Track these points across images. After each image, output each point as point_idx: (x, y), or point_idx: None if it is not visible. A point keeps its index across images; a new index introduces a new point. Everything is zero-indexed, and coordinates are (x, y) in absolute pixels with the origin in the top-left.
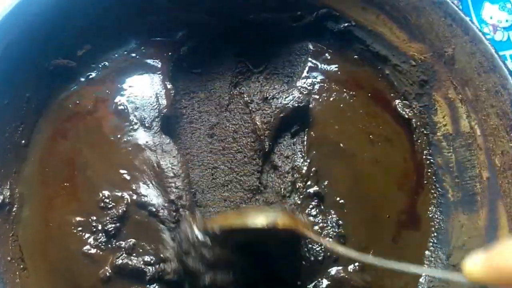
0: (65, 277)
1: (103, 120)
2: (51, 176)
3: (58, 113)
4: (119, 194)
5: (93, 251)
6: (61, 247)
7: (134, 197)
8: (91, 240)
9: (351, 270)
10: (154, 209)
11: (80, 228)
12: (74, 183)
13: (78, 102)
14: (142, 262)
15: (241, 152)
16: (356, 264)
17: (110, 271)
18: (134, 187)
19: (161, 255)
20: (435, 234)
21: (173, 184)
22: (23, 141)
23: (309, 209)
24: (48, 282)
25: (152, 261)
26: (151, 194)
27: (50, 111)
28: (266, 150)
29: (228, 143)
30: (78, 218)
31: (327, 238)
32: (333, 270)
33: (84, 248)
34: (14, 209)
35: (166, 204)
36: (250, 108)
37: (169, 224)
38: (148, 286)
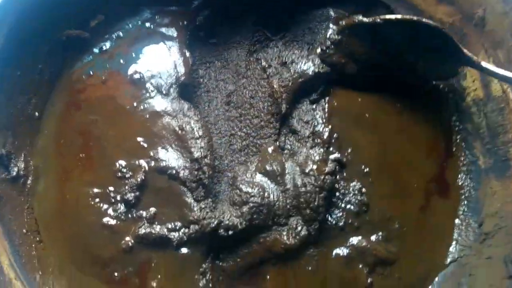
0: (83, 249)
1: (117, 90)
2: (66, 148)
3: (72, 85)
4: (136, 162)
5: (113, 222)
6: (79, 219)
7: (152, 163)
8: (110, 211)
9: (374, 240)
10: (174, 172)
11: (97, 200)
12: (89, 154)
13: (91, 73)
14: (166, 229)
15: (258, 117)
16: (380, 233)
17: (132, 241)
18: (152, 154)
19: (190, 218)
20: (466, 202)
21: (197, 145)
22: (37, 113)
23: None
24: (65, 254)
25: (177, 227)
26: (170, 158)
27: (63, 83)
28: (283, 112)
29: (245, 109)
30: (95, 190)
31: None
32: (355, 240)
33: (104, 219)
34: (29, 181)
35: (187, 164)
36: (268, 73)
37: (190, 184)
38: (176, 251)
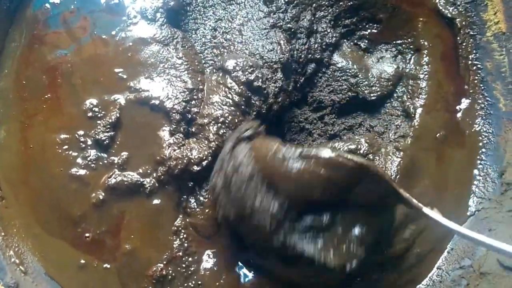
0: (51, 206)
1: (91, 18)
2: (30, 89)
3: (35, 16)
4: (111, 98)
5: (82, 172)
6: (45, 171)
7: (131, 96)
8: (79, 159)
9: None
10: (157, 102)
11: (65, 147)
12: (57, 94)
13: (58, 2)
14: (138, 175)
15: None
16: None
17: (103, 194)
18: (132, 84)
19: (157, 158)
20: (484, 150)
21: (196, 77)
22: None
23: None
24: (30, 213)
25: (148, 171)
26: (155, 88)
27: (25, 15)
28: None
29: (233, 35)
30: (62, 136)
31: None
32: None
33: (72, 170)
34: None
35: (177, 94)
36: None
37: (174, 116)
38: (148, 199)
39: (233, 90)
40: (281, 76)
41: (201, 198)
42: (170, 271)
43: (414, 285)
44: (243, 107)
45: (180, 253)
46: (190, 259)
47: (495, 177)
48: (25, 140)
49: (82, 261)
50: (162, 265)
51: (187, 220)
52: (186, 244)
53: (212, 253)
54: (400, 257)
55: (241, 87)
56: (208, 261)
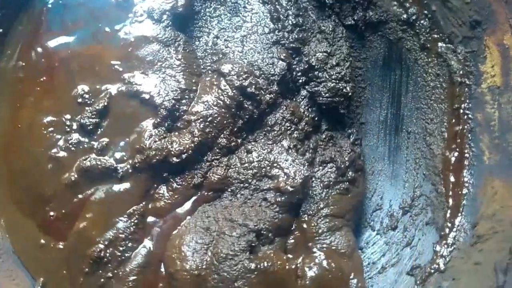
0: (27, 185)
1: (98, 12)
2: (27, 70)
3: (45, 4)
4: (102, 87)
5: (61, 154)
6: (27, 151)
7: (123, 87)
8: (61, 142)
9: None
10: (148, 97)
11: (51, 129)
12: (52, 78)
13: None
14: (113, 160)
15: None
16: None
17: (75, 175)
18: (126, 77)
19: (136, 146)
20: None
21: (192, 79)
22: (1, 30)
23: None
24: (8, 192)
25: (125, 157)
26: (148, 83)
27: (35, 1)
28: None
29: (235, 44)
30: (50, 118)
31: None
32: None
33: (52, 151)
34: None
35: (169, 91)
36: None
37: (162, 111)
38: (119, 183)
39: (225, 93)
40: (276, 89)
41: (174, 185)
42: (108, 254)
43: None
44: (233, 110)
45: (123, 236)
46: (129, 244)
47: (468, 228)
48: (15, 120)
49: (42, 241)
50: (103, 246)
51: (149, 205)
52: (132, 228)
53: (149, 246)
54: None
55: (234, 91)
56: (141, 252)
